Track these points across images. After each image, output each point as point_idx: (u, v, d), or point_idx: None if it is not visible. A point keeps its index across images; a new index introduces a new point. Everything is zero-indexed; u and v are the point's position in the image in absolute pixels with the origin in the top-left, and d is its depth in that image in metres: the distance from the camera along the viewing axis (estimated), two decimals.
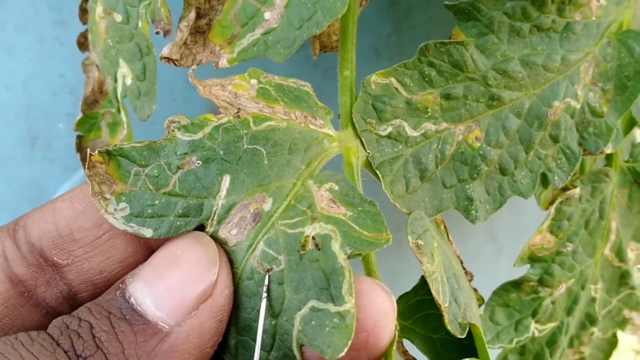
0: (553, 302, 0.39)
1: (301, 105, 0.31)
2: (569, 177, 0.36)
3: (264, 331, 0.26)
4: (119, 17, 0.36)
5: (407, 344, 0.32)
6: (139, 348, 0.24)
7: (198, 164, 0.27)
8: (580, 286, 0.40)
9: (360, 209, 0.27)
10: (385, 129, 0.32)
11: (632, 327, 0.44)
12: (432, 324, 0.31)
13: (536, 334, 0.39)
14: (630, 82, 0.37)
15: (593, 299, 0.41)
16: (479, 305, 0.37)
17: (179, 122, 0.28)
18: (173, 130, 0.28)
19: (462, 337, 0.29)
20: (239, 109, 0.29)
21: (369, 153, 0.31)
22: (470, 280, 0.35)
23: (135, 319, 0.25)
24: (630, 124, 0.42)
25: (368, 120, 0.32)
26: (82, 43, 0.42)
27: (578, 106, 0.36)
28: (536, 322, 0.39)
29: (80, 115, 0.42)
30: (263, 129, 0.29)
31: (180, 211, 0.27)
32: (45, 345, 0.24)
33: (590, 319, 0.42)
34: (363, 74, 0.36)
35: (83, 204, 0.27)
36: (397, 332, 0.26)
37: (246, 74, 0.31)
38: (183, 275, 0.25)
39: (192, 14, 0.33)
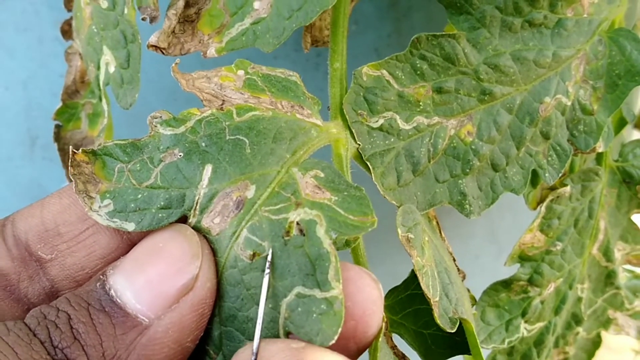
0: (542, 302, 0.39)
1: (288, 95, 0.30)
2: (560, 175, 0.36)
3: (249, 320, 0.25)
4: (104, 4, 0.35)
5: (397, 339, 0.31)
6: (117, 341, 0.24)
7: (180, 156, 0.27)
8: (568, 285, 0.40)
9: (345, 193, 0.26)
10: (377, 121, 0.31)
11: (616, 327, 0.43)
12: (423, 319, 0.31)
13: (525, 334, 0.39)
14: (621, 80, 0.37)
15: (579, 299, 0.41)
16: (471, 306, 0.36)
17: (160, 117, 0.28)
18: (155, 126, 0.28)
19: (453, 331, 0.28)
20: (223, 100, 0.29)
21: (359, 144, 0.30)
22: (462, 279, 0.34)
23: (114, 311, 0.24)
24: (621, 124, 0.42)
25: (359, 111, 0.31)
26: (66, 31, 0.41)
27: (569, 103, 0.36)
28: (525, 322, 0.39)
29: (60, 105, 0.41)
30: (246, 119, 0.28)
31: (162, 203, 0.26)
32: (22, 336, 0.23)
33: (576, 319, 0.42)
34: None
35: (71, 198, 0.27)
36: (384, 323, 0.26)
37: (233, 65, 0.31)
38: (164, 268, 0.25)
39: (181, 2, 0.32)
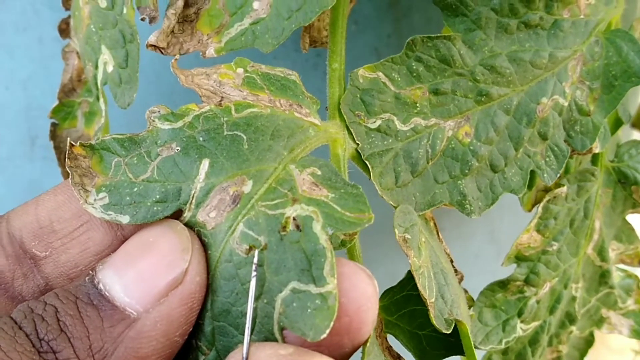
0: (538, 302, 0.39)
1: (287, 94, 0.30)
2: (558, 175, 0.36)
3: (243, 315, 0.25)
4: (103, 3, 0.35)
5: (392, 340, 0.31)
6: (104, 333, 0.24)
7: (177, 150, 0.27)
8: (563, 285, 0.40)
9: (342, 191, 0.26)
10: (375, 122, 0.31)
11: (609, 326, 0.43)
12: (419, 320, 0.31)
13: (520, 333, 0.39)
14: (618, 81, 0.37)
15: (573, 298, 0.41)
16: (469, 307, 0.37)
17: (159, 111, 0.28)
18: (153, 121, 0.28)
19: (448, 332, 0.28)
20: (222, 97, 0.29)
21: (357, 144, 0.30)
22: (460, 281, 0.34)
23: (102, 304, 0.24)
24: (617, 124, 0.43)
25: (357, 112, 0.31)
26: (64, 30, 0.41)
27: (566, 104, 0.36)
28: (522, 321, 0.39)
29: (56, 103, 0.41)
30: (244, 116, 0.28)
31: (158, 196, 0.26)
32: (6, 329, 0.23)
33: (570, 318, 0.42)
34: None
35: (65, 195, 0.27)
36: (380, 323, 0.26)
37: (232, 62, 0.31)
38: (154, 262, 0.25)
39: (180, 2, 0.32)
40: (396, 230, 0.28)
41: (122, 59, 0.35)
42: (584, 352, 0.45)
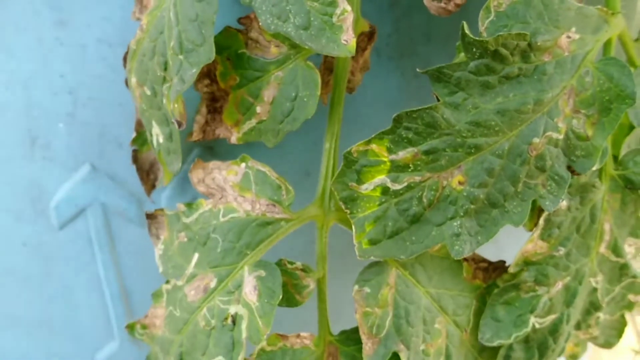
0: (550, 299, 0.42)
1: (267, 194, 0.39)
2: (560, 201, 0.38)
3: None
4: (148, 92, 0.41)
5: None
6: None
7: (185, 240, 0.40)
8: (578, 282, 0.43)
9: (265, 301, 0.37)
10: (367, 188, 0.36)
11: None
12: None
13: (537, 326, 0.42)
14: (613, 104, 0.38)
15: (594, 289, 0.44)
16: None
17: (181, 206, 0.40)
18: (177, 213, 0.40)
19: None
20: (222, 195, 0.39)
21: (347, 212, 0.36)
22: None
23: None
24: (629, 127, 0.44)
25: (350, 184, 0.36)
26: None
27: (561, 137, 0.37)
28: (535, 316, 0.42)
29: (134, 134, 0.47)
30: (227, 220, 0.39)
31: (171, 271, 0.40)
32: None
33: (594, 306, 0.44)
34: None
35: None
36: (337, 349, 0.39)
37: (239, 158, 0.40)
38: None
39: (204, 109, 0.40)
40: (355, 286, 0.37)
41: (168, 135, 0.42)
42: (620, 331, 0.48)
